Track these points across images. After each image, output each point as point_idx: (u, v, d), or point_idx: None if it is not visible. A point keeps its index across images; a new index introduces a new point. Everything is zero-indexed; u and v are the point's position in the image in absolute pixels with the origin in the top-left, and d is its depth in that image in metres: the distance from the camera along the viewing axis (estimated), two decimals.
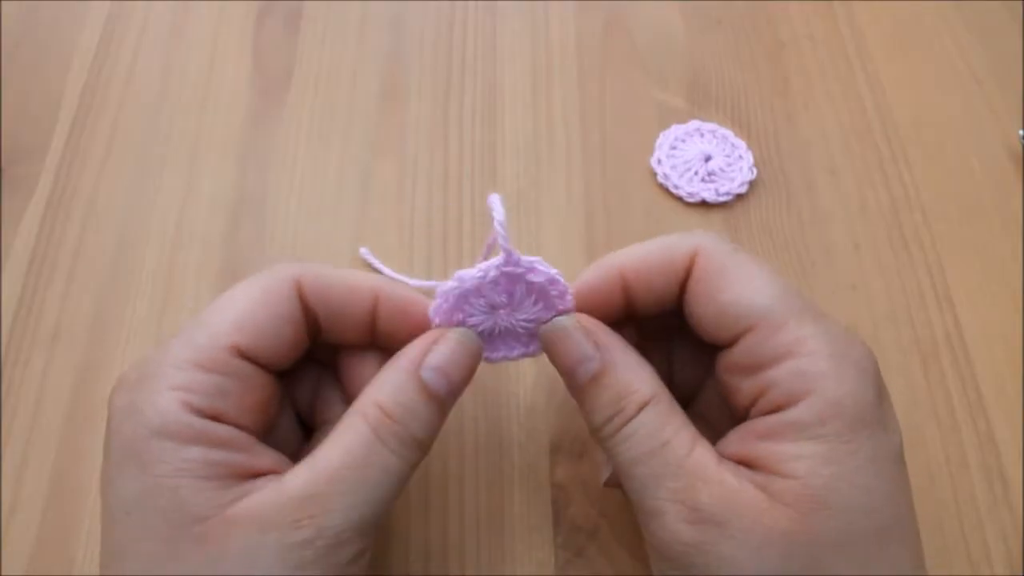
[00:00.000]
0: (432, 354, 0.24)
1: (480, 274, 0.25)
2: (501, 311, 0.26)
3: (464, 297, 0.25)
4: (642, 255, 0.26)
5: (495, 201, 0.24)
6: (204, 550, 0.21)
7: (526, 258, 0.25)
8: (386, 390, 0.23)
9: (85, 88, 0.41)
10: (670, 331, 0.28)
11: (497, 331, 0.26)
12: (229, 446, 0.22)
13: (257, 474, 0.22)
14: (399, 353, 0.25)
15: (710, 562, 0.21)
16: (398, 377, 0.24)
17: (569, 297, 0.26)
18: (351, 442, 0.22)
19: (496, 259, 0.25)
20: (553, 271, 0.25)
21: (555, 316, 0.26)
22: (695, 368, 0.28)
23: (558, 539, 0.30)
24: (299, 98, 0.41)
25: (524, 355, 0.27)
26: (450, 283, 0.25)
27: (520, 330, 0.26)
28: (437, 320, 0.26)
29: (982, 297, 0.36)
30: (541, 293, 0.25)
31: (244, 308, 0.24)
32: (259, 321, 0.24)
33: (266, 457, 0.23)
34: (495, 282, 0.25)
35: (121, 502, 0.21)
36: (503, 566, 0.30)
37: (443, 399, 0.24)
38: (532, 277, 0.25)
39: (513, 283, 0.25)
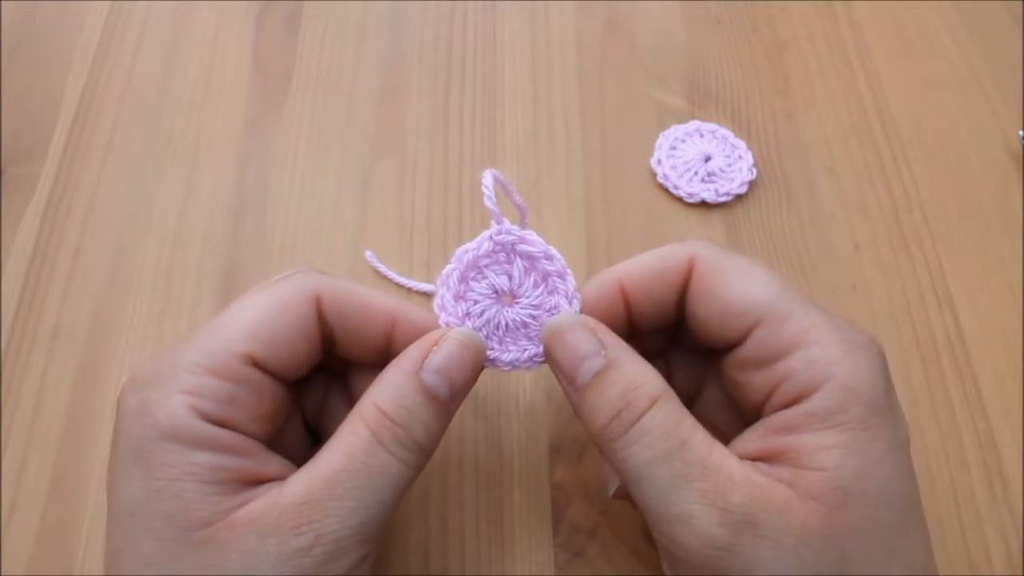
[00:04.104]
0: (433, 355, 0.24)
1: (474, 244, 0.25)
2: (505, 300, 0.26)
3: (465, 280, 0.26)
4: (640, 265, 0.26)
5: (487, 175, 0.25)
6: (205, 555, 0.21)
7: (518, 228, 0.25)
8: (387, 393, 0.23)
9: (85, 88, 0.41)
10: (666, 344, 0.28)
11: (505, 325, 0.26)
12: (236, 452, 0.22)
13: (263, 480, 0.22)
14: (400, 355, 0.24)
15: (745, 565, 0.21)
16: (398, 379, 0.23)
17: (570, 277, 0.26)
18: (350, 446, 0.22)
19: (489, 230, 0.25)
20: (549, 247, 0.25)
21: (560, 305, 0.26)
22: (691, 379, 0.28)
23: (558, 539, 0.30)
24: (299, 98, 0.41)
25: (535, 359, 0.26)
26: (449, 265, 0.26)
27: (528, 320, 0.26)
28: (442, 315, 0.26)
29: (982, 297, 0.36)
30: (541, 273, 0.26)
31: (260, 317, 0.23)
32: (274, 332, 0.23)
33: (272, 464, 0.23)
34: (493, 258, 0.26)
35: (126, 503, 0.21)
36: (503, 566, 0.30)
37: (445, 402, 0.24)
38: (526, 248, 0.25)
39: (510, 259, 0.26)
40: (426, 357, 0.24)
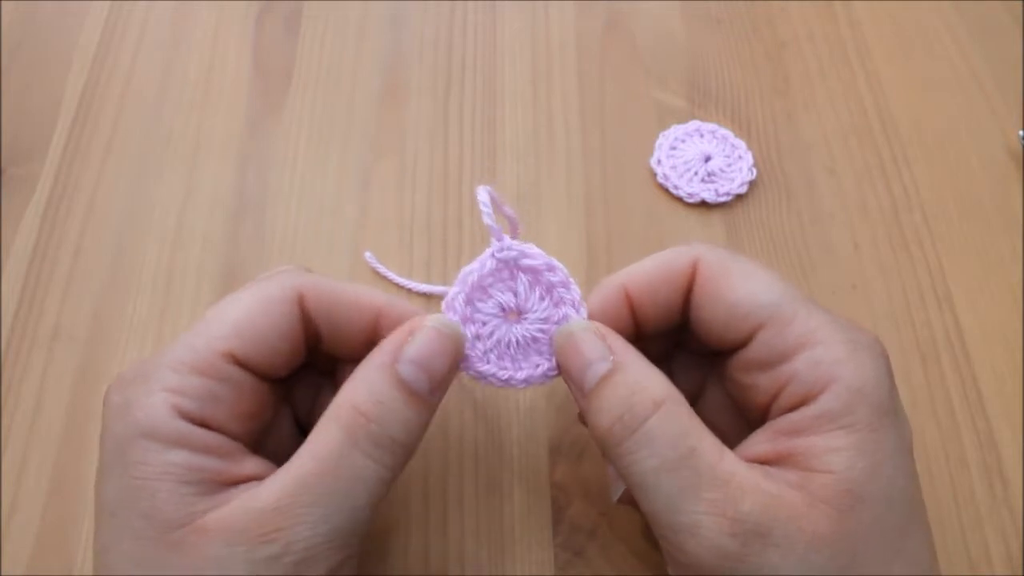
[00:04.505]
0: (408, 346, 0.23)
1: (477, 265, 0.25)
2: (512, 317, 0.26)
3: (471, 302, 0.26)
4: (644, 270, 0.25)
5: (481, 192, 0.25)
6: (180, 558, 0.20)
7: (518, 243, 0.25)
8: (360, 388, 0.22)
9: (85, 88, 0.41)
10: (668, 348, 0.28)
11: (515, 343, 0.26)
12: (213, 452, 0.22)
13: (240, 481, 0.22)
14: (375, 348, 0.23)
15: (755, 573, 0.21)
16: (373, 374, 0.23)
17: (574, 286, 0.26)
18: (321, 448, 0.22)
19: (490, 248, 0.25)
20: (550, 259, 0.25)
21: (569, 316, 0.25)
22: (693, 382, 0.28)
23: (558, 539, 0.30)
24: (299, 98, 0.41)
25: (548, 374, 0.26)
26: (453, 289, 0.25)
27: (538, 335, 0.26)
28: None
29: (982, 297, 0.36)
30: (545, 286, 0.26)
31: (243, 315, 0.23)
32: (257, 330, 0.23)
33: (250, 465, 0.23)
34: (497, 276, 0.26)
35: (107, 502, 0.21)
36: (503, 566, 0.30)
37: (423, 395, 0.23)
38: (528, 261, 0.25)
39: (514, 275, 0.26)
40: (402, 348, 0.23)
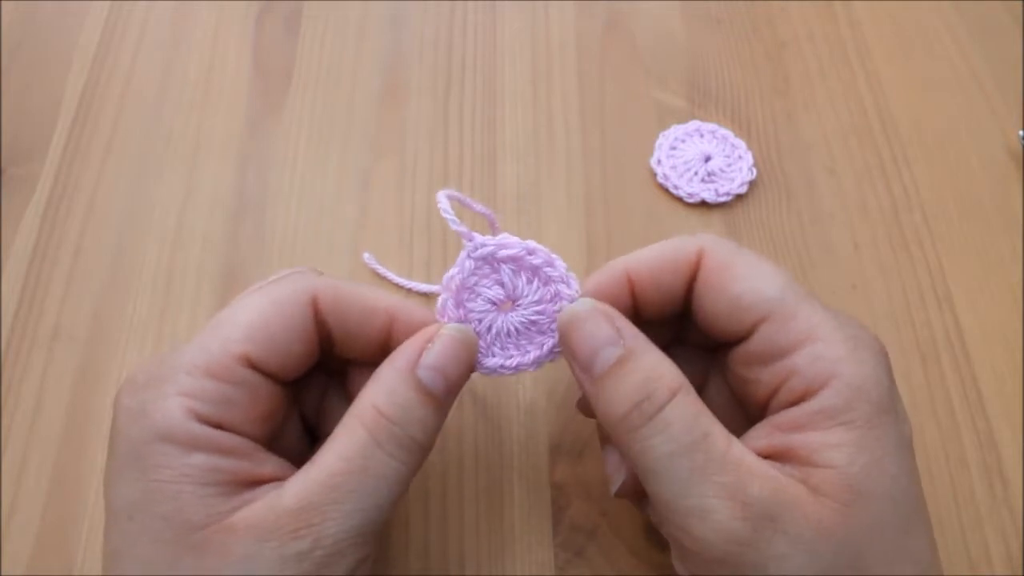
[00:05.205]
0: (427, 352, 0.24)
1: (457, 268, 0.25)
2: (506, 307, 0.26)
3: (461, 304, 0.26)
4: (649, 256, 0.26)
5: (441, 198, 0.25)
6: (202, 559, 0.20)
7: (491, 238, 0.25)
8: (382, 392, 0.23)
9: (85, 88, 0.41)
10: (668, 340, 0.28)
11: (516, 331, 0.26)
12: (232, 454, 0.22)
13: (259, 482, 0.22)
14: (394, 353, 0.24)
15: (764, 560, 0.21)
16: (394, 377, 0.23)
17: (558, 261, 0.25)
18: (347, 447, 0.22)
19: (464, 249, 0.25)
20: (527, 243, 0.25)
21: (560, 291, 0.25)
22: (693, 377, 0.28)
23: (558, 539, 0.30)
24: (299, 98, 0.41)
25: (554, 351, 0.26)
26: (441, 296, 0.26)
27: (535, 318, 0.26)
28: None
29: (982, 297, 0.36)
30: (530, 269, 0.26)
31: (256, 318, 0.23)
32: (271, 333, 0.23)
33: (269, 465, 0.23)
34: (480, 273, 0.26)
35: (123, 505, 0.21)
36: (503, 566, 0.30)
37: (441, 398, 0.24)
38: (505, 252, 0.25)
39: (496, 268, 0.26)
40: (420, 354, 0.24)
